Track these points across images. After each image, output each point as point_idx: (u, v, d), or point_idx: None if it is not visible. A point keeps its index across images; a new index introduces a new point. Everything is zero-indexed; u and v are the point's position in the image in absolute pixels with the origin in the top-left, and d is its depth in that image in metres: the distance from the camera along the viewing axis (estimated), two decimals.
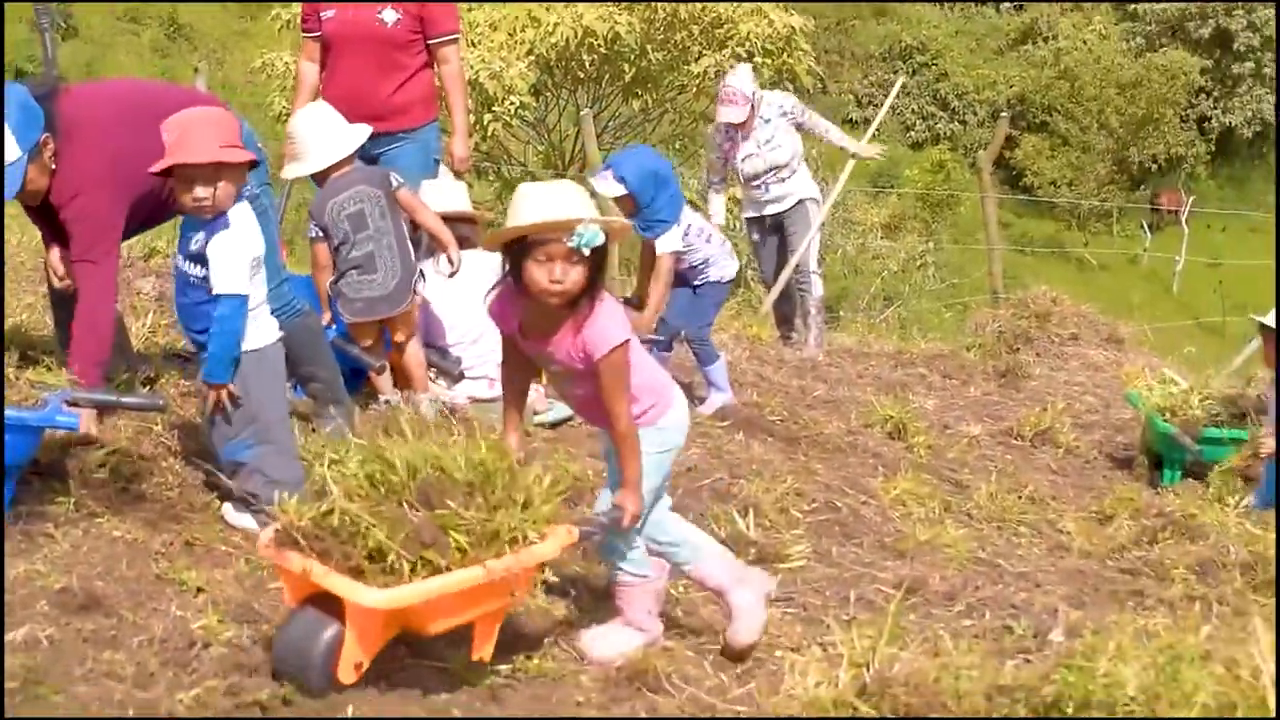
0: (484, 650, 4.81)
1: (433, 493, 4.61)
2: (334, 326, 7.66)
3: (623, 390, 5.03)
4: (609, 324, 4.97)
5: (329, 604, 4.48)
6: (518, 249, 4.90)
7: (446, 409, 7.73)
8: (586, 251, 4.80)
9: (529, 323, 5.08)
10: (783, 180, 11.09)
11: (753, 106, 10.84)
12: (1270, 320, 8.70)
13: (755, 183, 11.14)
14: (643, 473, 5.09)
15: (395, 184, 7.57)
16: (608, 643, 5.27)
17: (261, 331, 5.89)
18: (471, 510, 4.60)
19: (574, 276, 4.84)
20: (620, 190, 8.47)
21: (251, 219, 5.84)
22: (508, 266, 5.01)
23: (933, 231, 31.92)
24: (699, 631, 5.51)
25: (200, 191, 5.60)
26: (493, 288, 5.22)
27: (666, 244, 8.57)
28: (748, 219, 11.56)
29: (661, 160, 8.98)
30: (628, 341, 5.00)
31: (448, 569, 4.49)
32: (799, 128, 11.14)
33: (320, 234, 7.52)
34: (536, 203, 4.87)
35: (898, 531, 7.23)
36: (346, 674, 4.47)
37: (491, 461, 4.78)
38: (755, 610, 5.42)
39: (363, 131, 7.66)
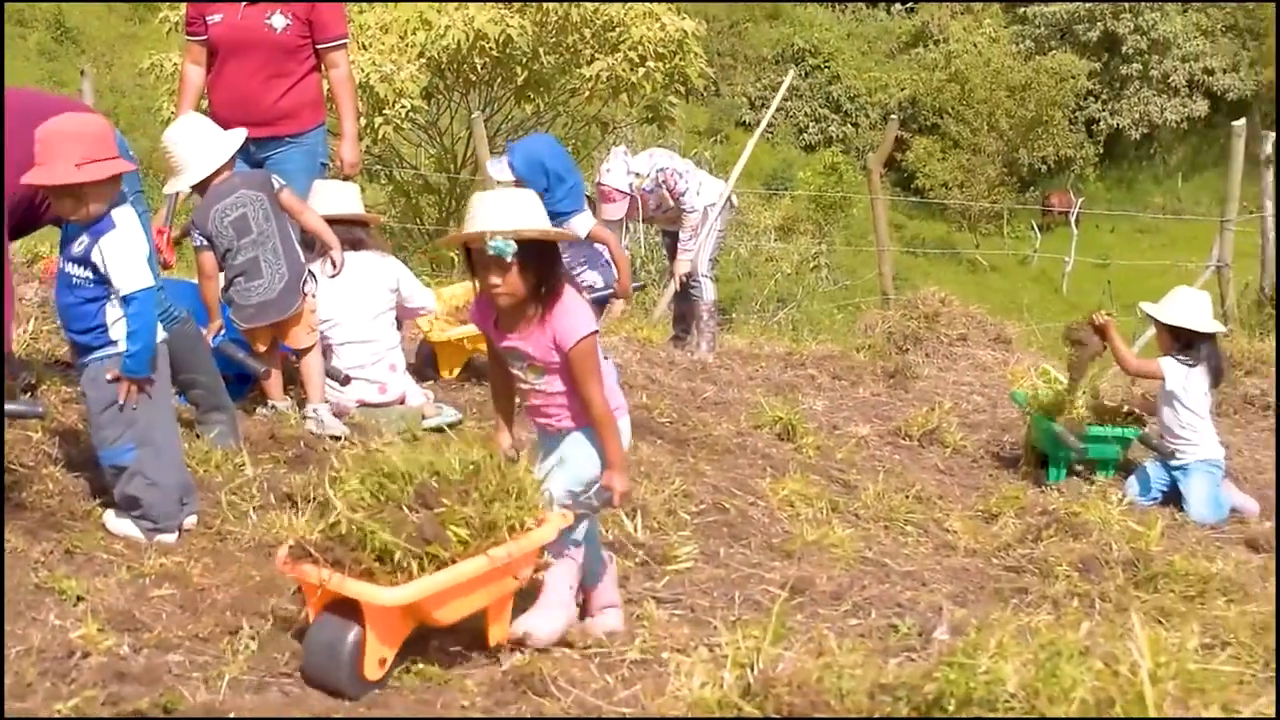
0: (499, 634, 5.19)
1: (429, 494, 4.93)
2: (222, 333, 7.59)
3: (596, 377, 5.32)
4: (574, 316, 5.27)
5: (348, 609, 4.79)
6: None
7: (334, 412, 7.71)
8: (508, 259, 5.07)
9: (502, 321, 5.37)
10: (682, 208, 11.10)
11: (632, 195, 10.78)
12: (1157, 312, 8.86)
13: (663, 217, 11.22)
14: (610, 460, 5.37)
15: (277, 186, 7.53)
16: (546, 621, 5.47)
17: None
18: (468, 505, 4.94)
19: (511, 280, 5.16)
20: (509, 176, 8.75)
21: (135, 219, 5.81)
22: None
23: (825, 233, 32.14)
24: (584, 636, 5.49)
25: (67, 205, 5.63)
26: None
27: (584, 224, 8.94)
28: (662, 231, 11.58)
29: (557, 151, 9.17)
30: (595, 333, 5.31)
31: (452, 561, 4.83)
32: (669, 189, 11.09)
33: (205, 242, 7.45)
34: (469, 215, 5.25)
35: (785, 532, 7.25)
36: (373, 671, 4.78)
37: (483, 460, 5.13)
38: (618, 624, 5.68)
39: (238, 136, 7.60)
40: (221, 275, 7.55)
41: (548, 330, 5.27)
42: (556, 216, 8.50)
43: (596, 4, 18.84)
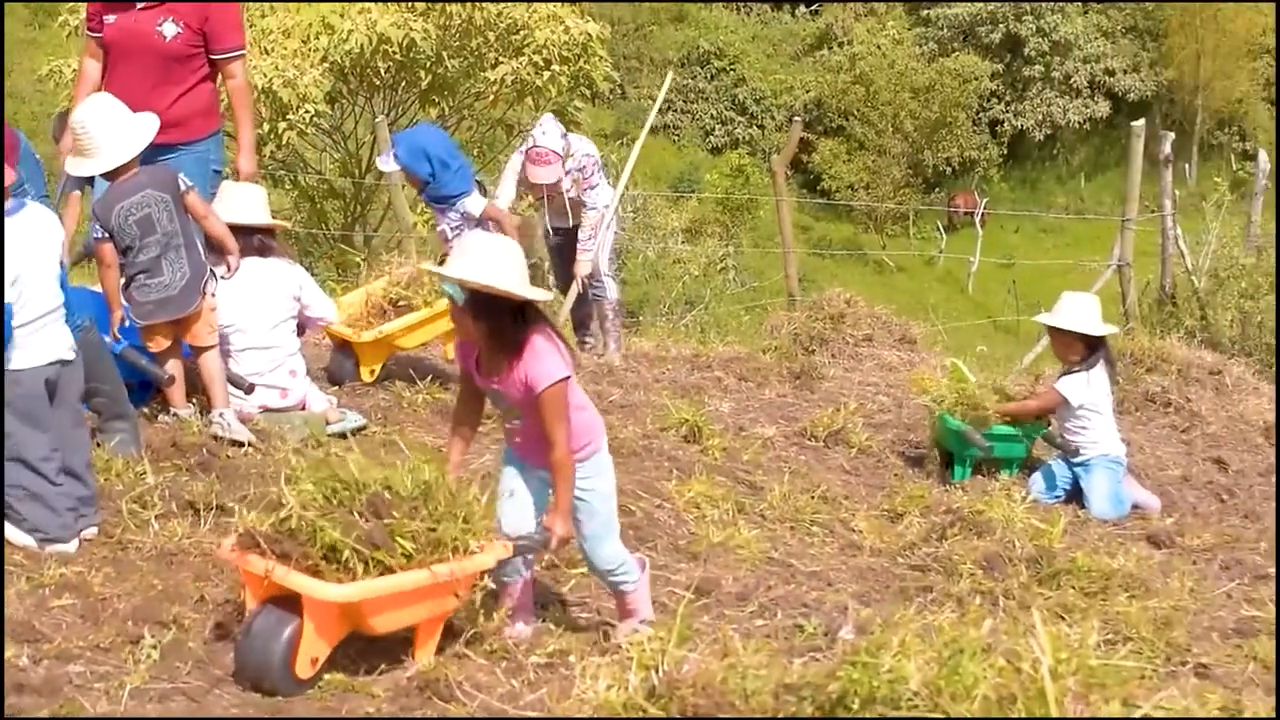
0: (426, 652, 5.19)
1: (380, 504, 5.01)
2: (120, 341, 7.51)
3: (563, 421, 5.46)
4: (543, 362, 5.42)
5: (287, 605, 4.85)
6: None
7: (240, 418, 7.66)
8: (459, 303, 5.34)
9: (484, 364, 5.57)
10: (584, 203, 11.03)
11: (563, 161, 10.73)
12: (1052, 319, 8.95)
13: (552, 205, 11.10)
14: (586, 506, 5.61)
15: (184, 187, 7.47)
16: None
17: (22, 353, 5.82)
18: (417, 520, 5.03)
19: (466, 325, 5.45)
20: (394, 166, 9.40)
21: (18, 233, 5.77)
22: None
23: (733, 235, 32.21)
24: (489, 638, 5.47)
25: None
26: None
27: (475, 205, 9.38)
28: (549, 228, 11.41)
29: (440, 138, 9.72)
30: (567, 378, 5.44)
31: (396, 571, 4.91)
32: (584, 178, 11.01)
33: (105, 235, 7.36)
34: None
35: (691, 534, 7.26)
36: (304, 669, 4.82)
37: (435, 480, 5.22)
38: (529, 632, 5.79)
39: (152, 124, 7.53)
40: (121, 270, 7.47)
41: (520, 374, 5.41)
42: (446, 200, 9.35)
43: (500, 6, 18.78)
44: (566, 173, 10.65)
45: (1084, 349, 8.90)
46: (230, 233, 7.74)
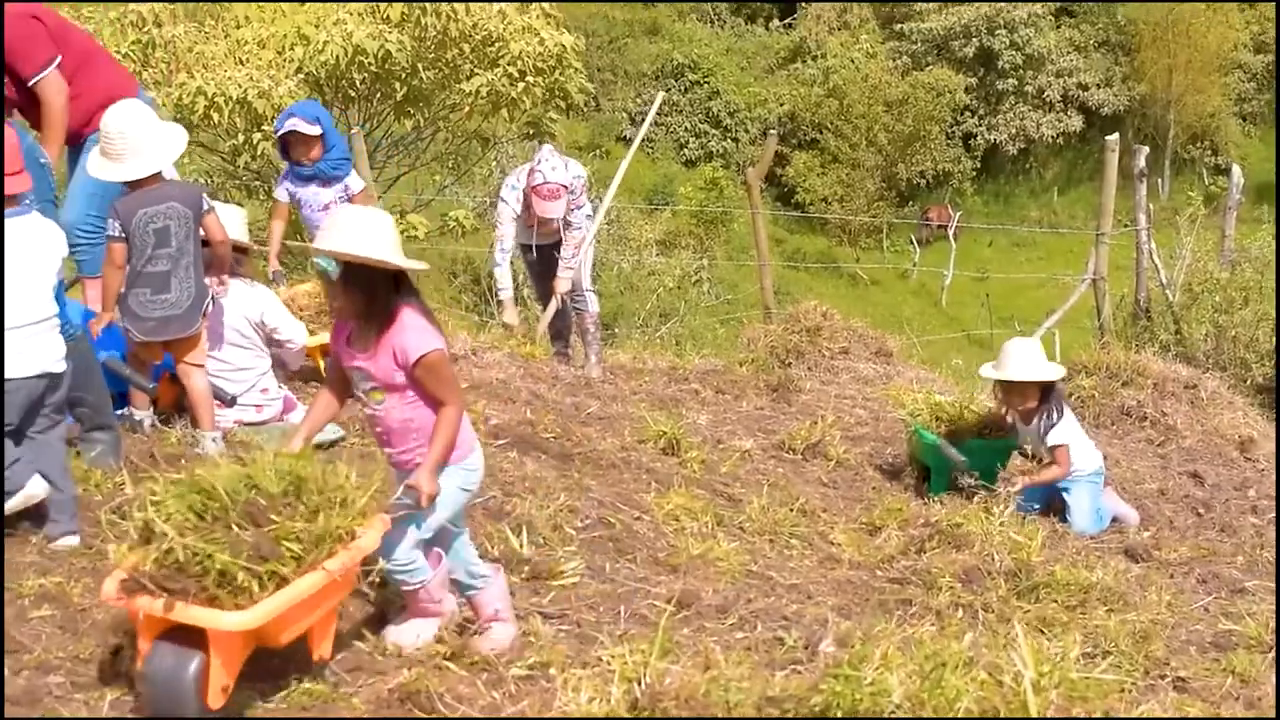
0: (324, 649, 5.07)
1: (257, 511, 4.75)
2: (117, 324, 7.44)
3: (448, 385, 5.36)
4: (415, 333, 5.29)
5: (183, 637, 4.57)
6: None
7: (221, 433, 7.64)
8: (333, 277, 5.21)
9: (354, 339, 5.41)
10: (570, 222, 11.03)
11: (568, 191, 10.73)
12: (1010, 373, 8.94)
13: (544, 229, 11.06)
14: (429, 459, 5.30)
15: (207, 207, 7.43)
16: (410, 633, 5.57)
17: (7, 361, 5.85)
18: (297, 519, 4.80)
19: (340, 297, 5.31)
20: (318, 130, 9.53)
21: (7, 240, 5.78)
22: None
23: (707, 248, 32.24)
24: (471, 652, 5.46)
25: None
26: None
27: (356, 181, 9.89)
28: (523, 245, 11.38)
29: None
30: (443, 349, 5.34)
31: (289, 579, 4.68)
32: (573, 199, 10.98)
33: (121, 235, 7.30)
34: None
35: (671, 546, 7.25)
36: (216, 699, 4.58)
37: (301, 468, 4.99)
38: (506, 640, 5.65)
39: (183, 136, 7.51)
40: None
41: (389, 349, 5.30)
42: (342, 163, 9.73)
43: (475, 18, 18.77)
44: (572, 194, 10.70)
45: (1038, 392, 8.93)
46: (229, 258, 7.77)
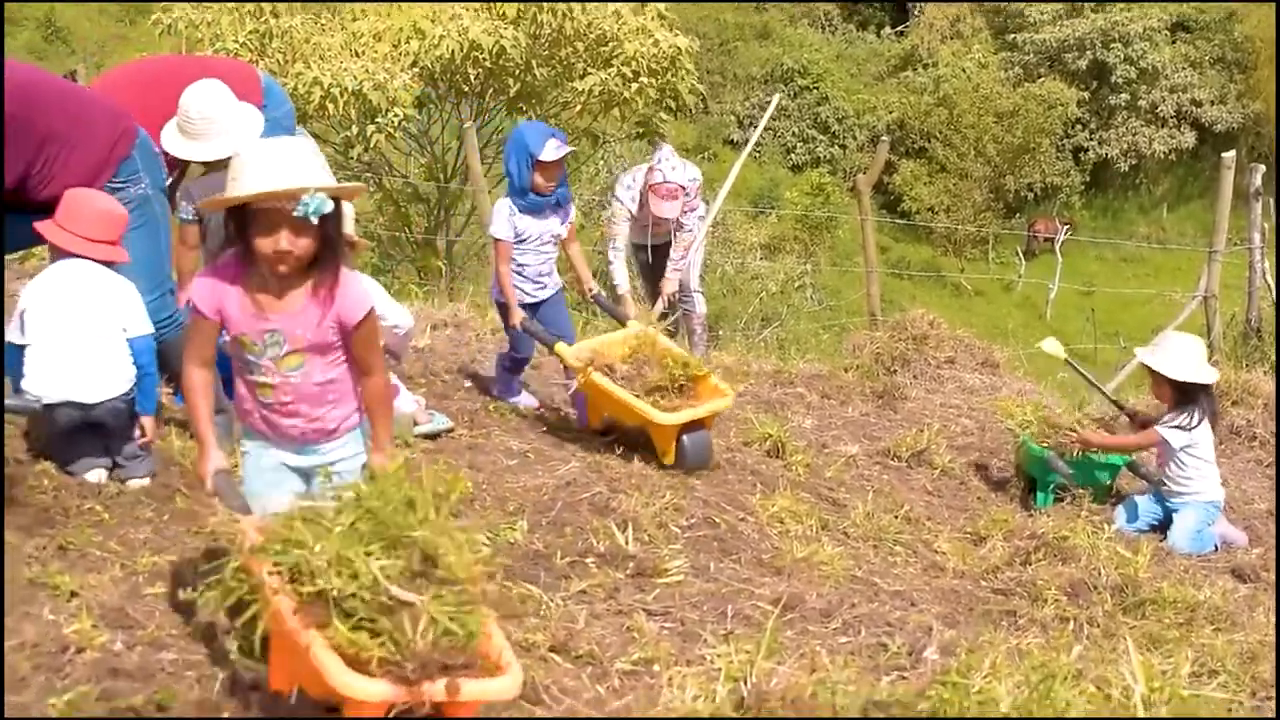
0: None
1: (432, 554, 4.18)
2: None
3: (380, 352, 5.02)
4: (359, 283, 4.96)
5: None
6: (241, 216, 4.74)
7: None
8: (315, 220, 4.62)
9: (261, 297, 4.82)
10: (684, 225, 11.08)
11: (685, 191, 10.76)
12: (1163, 366, 8.78)
13: (659, 229, 11.10)
14: (378, 441, 5.01)
15: None
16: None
17: (29, 380, 6.23)
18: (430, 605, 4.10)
19: (303, 244, 4.69)
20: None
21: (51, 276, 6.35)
22: (232, 234, 4.83)
23: (811, 254, 32.15)
24: (576, 646, 5.48)
25: None
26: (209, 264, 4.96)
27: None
28: (635, 244, 11.43)
29: None
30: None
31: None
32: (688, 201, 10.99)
33: (195, 218, 7.39)
34: (260, 169, 4.65)
35: (775, 548, 7.25)
36: None
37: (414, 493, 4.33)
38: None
39: (259, 116, 7.60)
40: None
41: (324, 303, 4.83)
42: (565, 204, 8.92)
43: (590, 17, 18.82)
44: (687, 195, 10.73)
45: (1174, 393, 8.78)
46: None
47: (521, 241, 8.71)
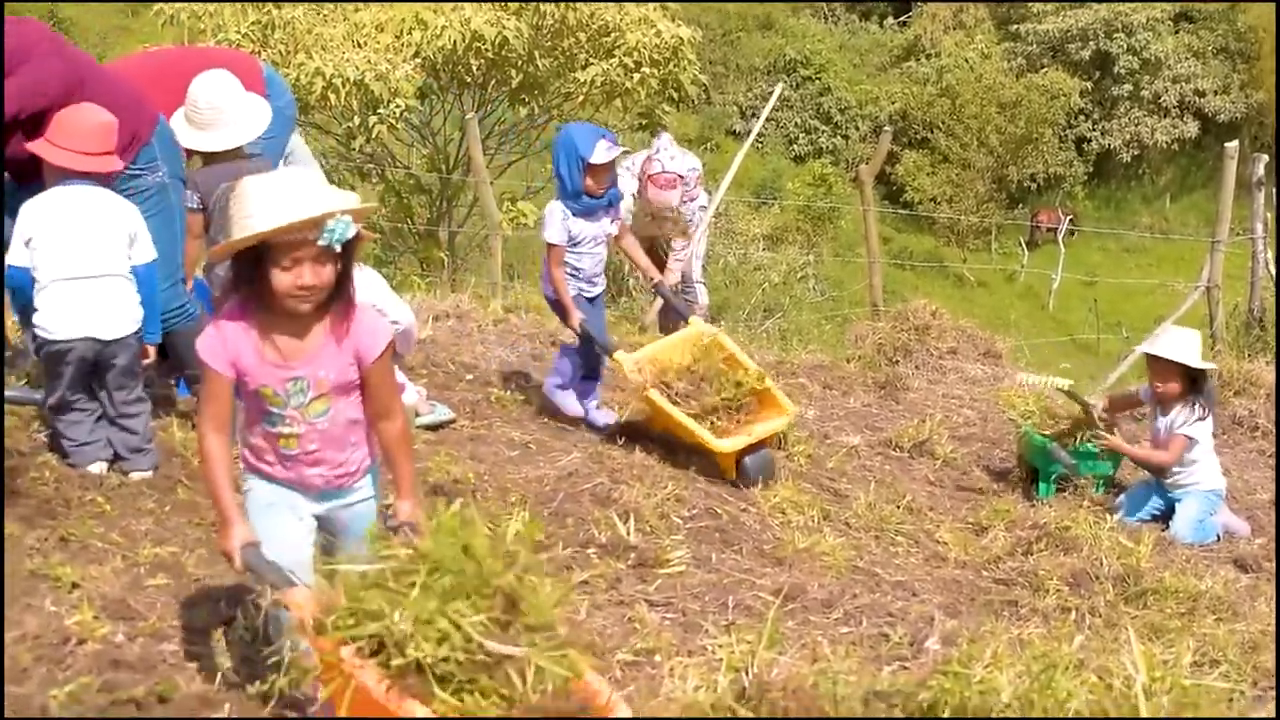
0: None
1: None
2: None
3: (398, 392, 4.75)
4: (376, 320, 4.61)
5: None
6: (252, 256, 4.33)
7: None
8: (338, 247, 4.31)
9: (280, 342, 4.45)
10: (685, 215, 11.07)
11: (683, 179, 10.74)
12: (1169, 351, 8.77)
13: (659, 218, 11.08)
14: (405, 488, 4.65)
15: None
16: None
17: (43, 317, 6.25)
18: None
19: (327, 274, 4.36)
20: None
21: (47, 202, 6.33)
22: (237, 279, 4.44)
23: (814, 244, 32.13)
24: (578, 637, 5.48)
25: None
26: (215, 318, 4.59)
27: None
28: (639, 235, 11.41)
29: None
30: None
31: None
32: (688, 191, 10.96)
33: (200, 207, 7.39)
34: (276, 200, 4.27)
35: (777, 539, 7.25)
36: None
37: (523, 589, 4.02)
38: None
39: (266, 108, 7.61)
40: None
41: (349, 340, 4.49)
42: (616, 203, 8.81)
43: (593, 7, 18.81)
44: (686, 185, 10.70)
45: (1183, 381, 8.76)
46: None
47: (576, 244, 8.56)
